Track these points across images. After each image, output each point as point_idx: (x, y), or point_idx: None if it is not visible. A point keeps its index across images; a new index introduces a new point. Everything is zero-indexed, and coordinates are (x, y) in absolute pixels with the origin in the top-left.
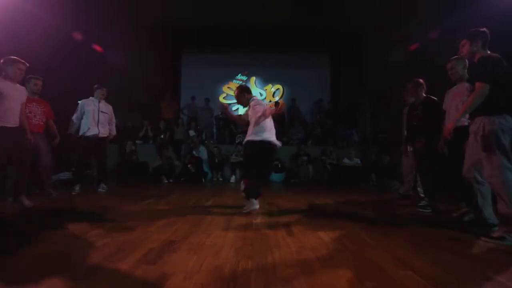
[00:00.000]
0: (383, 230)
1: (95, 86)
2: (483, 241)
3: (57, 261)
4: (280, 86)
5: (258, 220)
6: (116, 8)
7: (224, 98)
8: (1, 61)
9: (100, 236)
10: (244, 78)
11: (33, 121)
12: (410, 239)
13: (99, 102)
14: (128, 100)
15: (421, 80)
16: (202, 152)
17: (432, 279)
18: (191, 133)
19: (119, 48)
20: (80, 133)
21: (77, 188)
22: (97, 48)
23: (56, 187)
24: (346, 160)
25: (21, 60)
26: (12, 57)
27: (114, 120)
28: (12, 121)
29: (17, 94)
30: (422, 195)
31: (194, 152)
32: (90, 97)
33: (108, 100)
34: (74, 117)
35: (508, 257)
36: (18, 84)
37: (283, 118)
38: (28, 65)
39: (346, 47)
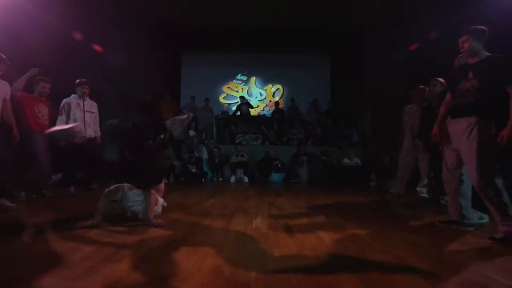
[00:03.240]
0: (383, 230)
1: (77, 81)
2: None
3: (57, 261)
4: (280, 86)
5: (258, 220)
6: (116, 8)
7: (224, 98)
8: None
9: (100, 236)
10: (244, 78)
11: (41, 121)
12: (410, 239)
13: (83, 100)
14: (128, 100)
15: (421, 86)
16: (202, 152)
17: (432, 279)
18: (191, 133)
19: (119, 48)
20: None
21: (71, 189)
22: (97, 48)
23: (55, 188)
24: (346, 160)
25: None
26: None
27: (97, 118)
28: None
29: None
30: (423, 195)
31: (194, 152)
32: (72, 95)
33: (108, 100)
34: (59, 120)
35: (509, 257)
36: (0, 79)
37: (283, 117)
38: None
39: (346, 47)
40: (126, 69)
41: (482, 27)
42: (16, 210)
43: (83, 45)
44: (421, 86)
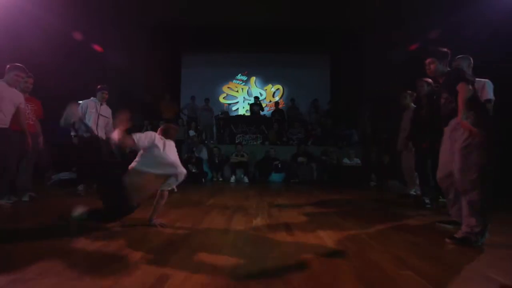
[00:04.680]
0: (383, 230)
1: (98, 87)
2: (447, 243)
3: (57, 261)
4: (280, 86)
5: (258, 220)
6: (116, 8)
7: (224, 98)
8: (7, 66)
9: (100, 236)
10: (244, 78)
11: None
12: (410, 239)
13: (100, 104)
14: (128, 100)
15: (409, 91)
16: (202, 152)
17: (432, 279)
18: (191, 133)
19: (119, 48)
20: (79, 133)
21: (81, 188)
22: (97, 48)
23: (55, 188)
24: (346, 160)
25: (22, 68)
26: (17, 64)
27: (111, 124)
28: (4, 122)
29: (11, 96)
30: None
31: (194, 152)
32: (92, 98)
33: (108, 100)
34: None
35: (508, 257)
36: (14, 89)
37: (283, 117)
38: (28, 75)
39: (346, 47)
40: (126, 69)
41: (445, 49)
42: (17, 210)
43: (83, 45)
44: (409, 91)
